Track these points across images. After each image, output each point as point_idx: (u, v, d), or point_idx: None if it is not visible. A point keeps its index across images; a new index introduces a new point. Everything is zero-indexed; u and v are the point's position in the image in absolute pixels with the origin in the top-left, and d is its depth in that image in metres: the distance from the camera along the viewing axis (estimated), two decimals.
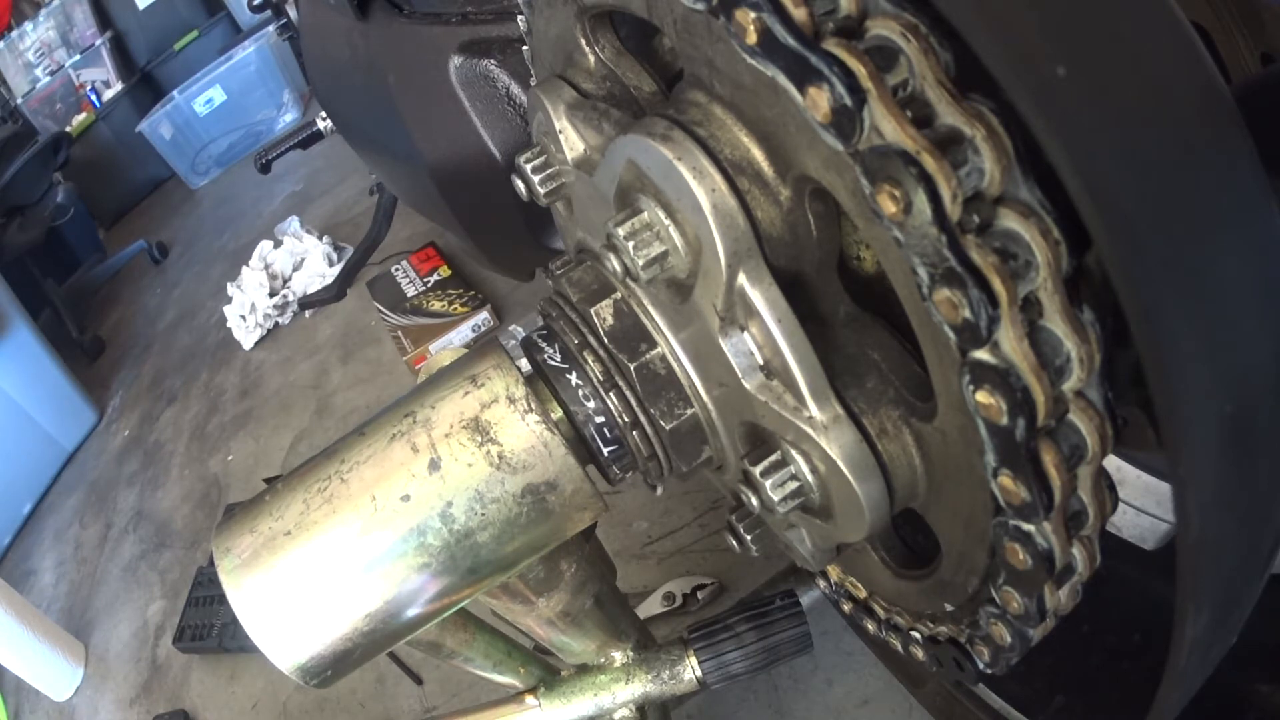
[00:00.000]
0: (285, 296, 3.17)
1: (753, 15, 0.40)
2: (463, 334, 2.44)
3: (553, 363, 0.62)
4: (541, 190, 0.64)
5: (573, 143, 0.61)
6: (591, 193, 0.59)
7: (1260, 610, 0.43)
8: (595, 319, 0.60)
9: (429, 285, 2.63)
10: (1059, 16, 0.34)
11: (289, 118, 5.22)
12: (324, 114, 2.59)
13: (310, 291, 3.13)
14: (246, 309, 3.17)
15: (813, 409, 0.49)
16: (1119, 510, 0.52)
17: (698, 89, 0.50)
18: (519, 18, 0.70)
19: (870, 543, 0.63)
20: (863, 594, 0.70)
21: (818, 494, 0.52)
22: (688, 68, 0.50)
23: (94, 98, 5.30)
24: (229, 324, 3.23)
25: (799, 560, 0.62)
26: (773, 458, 0.52)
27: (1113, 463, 0.75)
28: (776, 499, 0.52)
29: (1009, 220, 0.37)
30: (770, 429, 0.52)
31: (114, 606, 2.39)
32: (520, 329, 2.25)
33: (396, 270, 2.77)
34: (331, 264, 3.20)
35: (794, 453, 0.51)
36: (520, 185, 0.65)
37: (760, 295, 0.48)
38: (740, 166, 0.48)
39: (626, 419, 0.60)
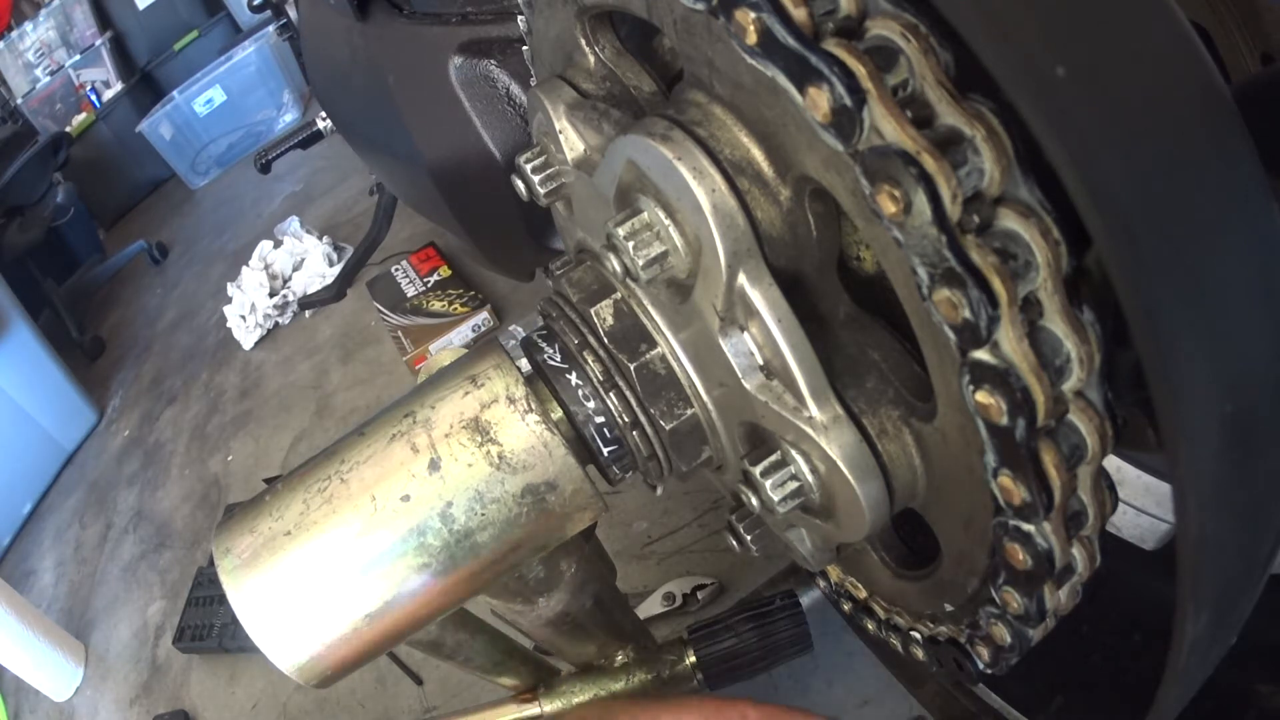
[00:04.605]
0: (285, 296, 3.17)
1: (753, 15, 0.40)
2: (463, 334, 2.43)
3: (553, 363, 0.62)
4: (541, 190, 0.64)
5: (573, 143, 0.61)
6: (591, 193, 0.59)
7: (1260, 610, 0.43)
8: (595, 319, 0.60)
9: (429, 285, 2.63)
10: (1058, 16, 0.34)
11: (289, 118, 5.22)
12: (324, 114, 2.59)
13: (310, 291, 3.13)
14: (246, 309, 3.17)
15: (813, 409, 0.49)
16: (1119, 510, 0.52)
17: (698, 89, 0.50)
18: (519, 18, 0.70)
19: (870, 543, 0.63)
20: (863, 594, 0.70)
21: (818, 494, 0.52)
22: (688, 68, 0.50)
23: (94, 98, 5.29)
24: (229, 324, 3.22)
25: (799, 560, 0.62)
26: (773, 458, 0.52)
27: (1113, 463, 0.75)
28: (776, 499, 0.52)
29: (1009, 220, 0.37)
30: (770, 429, 0.52)
31: (114, 607, 2.39)
32: (520, 329, 2.25)
33: (396, 270, 2.77)
34: (331, 264, 3.19)
35: (794, 453, 0.51)
36: (520, 185, 0.65)
37: (760, 295, 0.48)
38: (740, 166, 0.48)
39: (626, 419, 0.60)
